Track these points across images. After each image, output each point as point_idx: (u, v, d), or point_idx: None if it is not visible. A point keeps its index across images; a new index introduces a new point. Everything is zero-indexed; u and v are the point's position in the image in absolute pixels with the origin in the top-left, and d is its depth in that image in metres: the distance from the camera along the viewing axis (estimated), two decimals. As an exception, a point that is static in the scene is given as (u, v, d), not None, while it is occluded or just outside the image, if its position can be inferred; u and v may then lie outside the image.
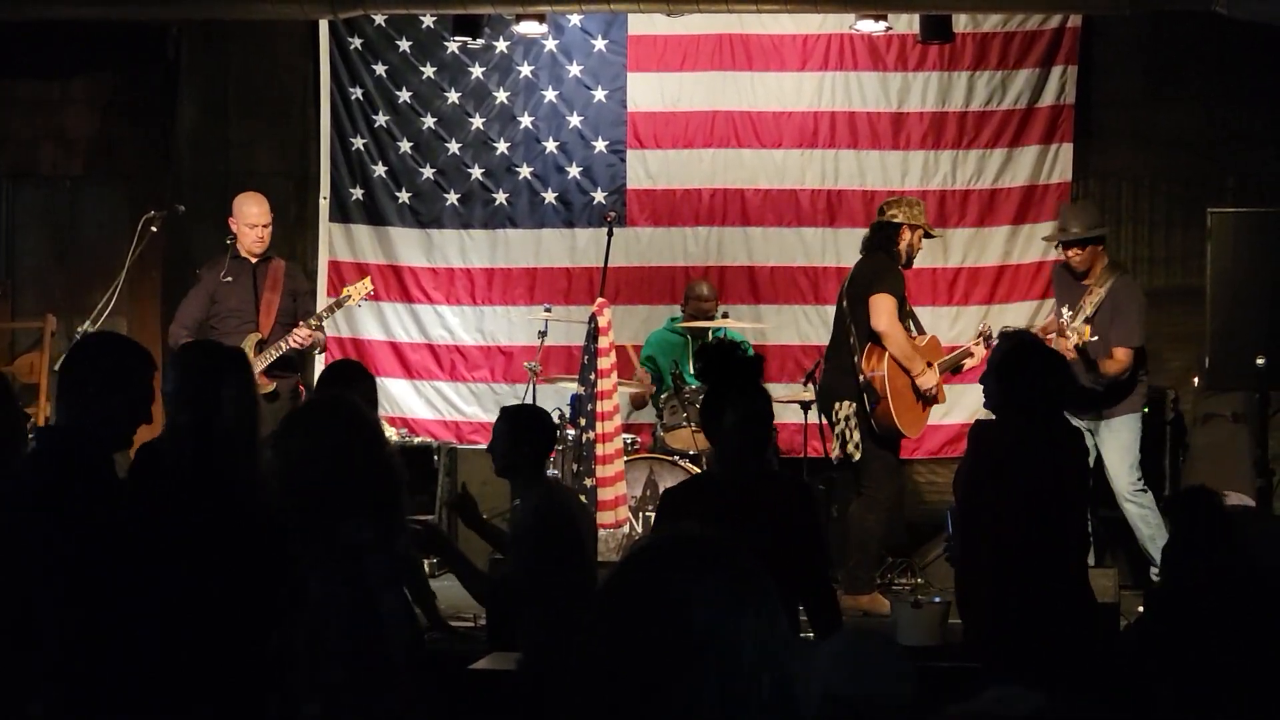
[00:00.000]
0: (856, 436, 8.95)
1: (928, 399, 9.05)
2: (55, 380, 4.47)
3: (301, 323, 9.08)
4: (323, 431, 4.36)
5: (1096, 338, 8.70)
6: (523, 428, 6.21)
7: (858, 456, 8.96)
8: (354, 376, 6.93)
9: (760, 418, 5.38)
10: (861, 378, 8.93)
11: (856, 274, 9.19)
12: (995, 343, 7.52)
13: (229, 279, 9.22)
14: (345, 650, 4.16)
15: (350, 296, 9.46)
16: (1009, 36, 10.70)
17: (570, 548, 6.02)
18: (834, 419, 9.04)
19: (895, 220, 9.09)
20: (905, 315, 9.05)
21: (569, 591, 5.75)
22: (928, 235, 9.29)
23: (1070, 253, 9.07)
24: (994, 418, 6.18)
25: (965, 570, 6.13)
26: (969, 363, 9.39)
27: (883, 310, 8.88)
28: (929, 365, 9.04)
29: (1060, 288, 9.32)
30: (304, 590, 4.20)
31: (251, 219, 9.26)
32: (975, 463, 6.14)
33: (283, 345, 9.01)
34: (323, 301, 10.26)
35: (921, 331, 9.27)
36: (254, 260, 9.26)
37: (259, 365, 8.86)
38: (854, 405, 8.96)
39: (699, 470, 9.36)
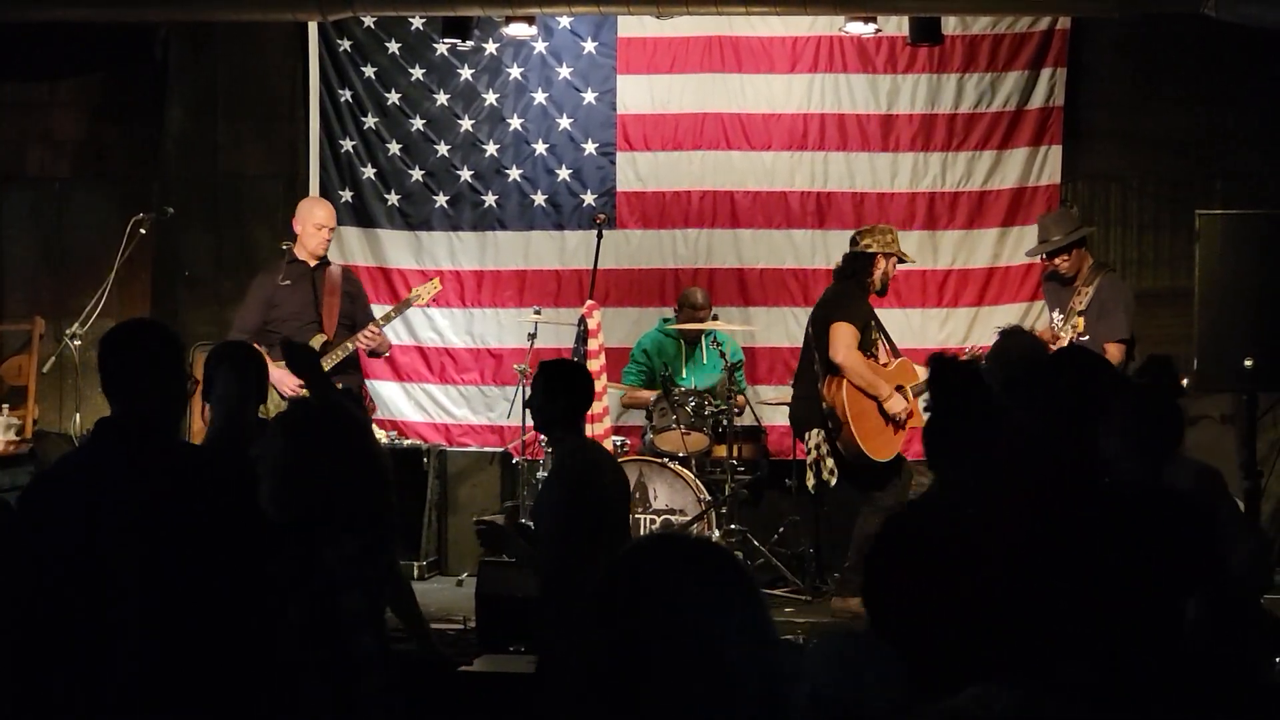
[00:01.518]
0: (830, 463, 9.00)
1: (898, 422, 9.03)
2: (101, 371, 4.32)
3: (372, 325, 9.18)
4: (317, 436, 4.36)
5: (1088, 336, 8.72)
6: (558, 382, 6.22)
7: (833, 483, 8.99)
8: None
9: None
10: (825, 405, 8.95)
11: (822, 300, 9.29)
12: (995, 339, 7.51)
13: (287, 282, 9.30)
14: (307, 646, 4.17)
15: (420, 296, 9.53)
16: (998, 39, 10.71)
17: (595, 498, 6.01)
18: (807, 448, 9.07)
19: (869, 250, 9.11)
20: (872, 340, 9.07)
21: (596, 547, 5.75)
22: (901, 262, 9.29)
23: (1057, 260, 9.10)
24: None
25: None
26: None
27: (840, 340, 8.92)
28: (899, 389, 9.03)
29: (1050, 294, 9.35)
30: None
31: (319, 220, 9.40)
32: None
33: (350, 346, 9.11)
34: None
35: (896, 355, 9.29)
36: (313, 264, 9.32)
37: (325, 366, 8.92)
38: (823, 433, 8.98)
39: (689, 472, 9.36)
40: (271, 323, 9.21)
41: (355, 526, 4.27)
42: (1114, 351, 8.81)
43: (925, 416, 5.01)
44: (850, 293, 9.09)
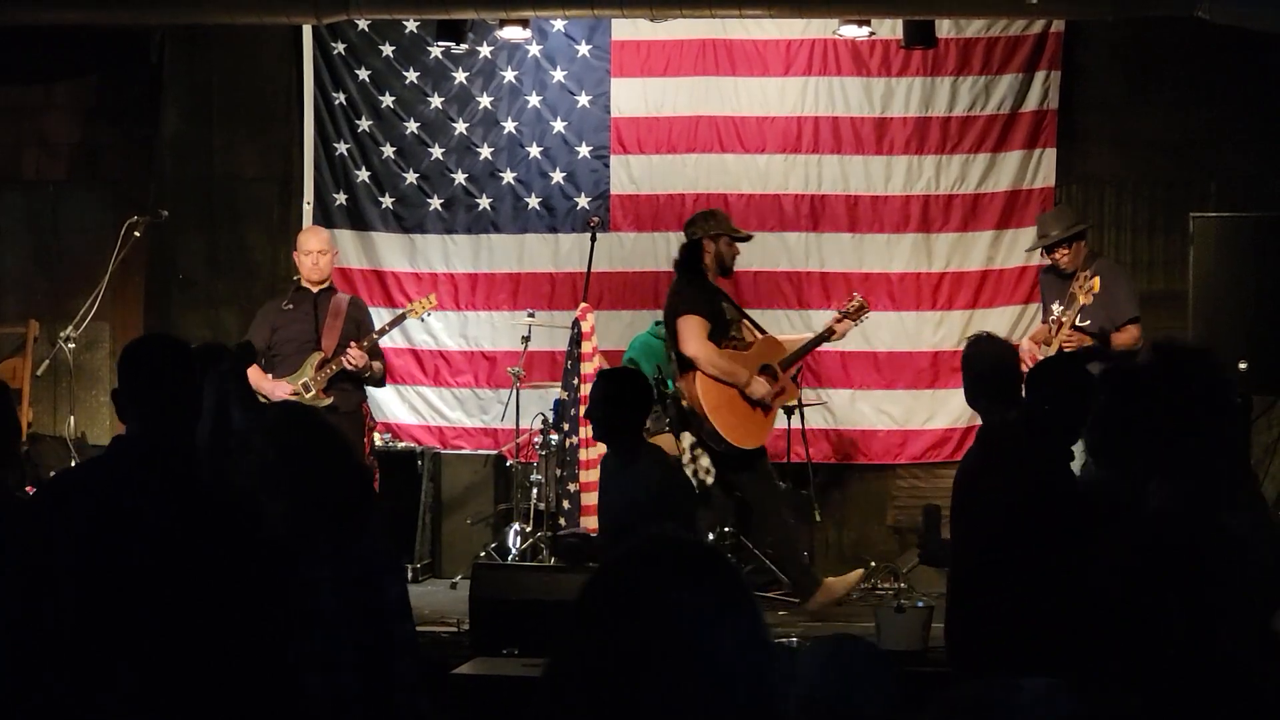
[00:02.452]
0: (705, 462, 8.88)
1: (766, 405, 8.95)
2: (118, 387, 4.29)
3: (353, 343, 9.16)
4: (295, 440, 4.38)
5: (1090, 321, 8.75)
6: (623, 391, 6.22)
7: (709, 482, 8.88)
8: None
9: None
10: (685, 402, 8.90)
11: (667, 297, 9.18)
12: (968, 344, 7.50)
13: (290, 307, 9.42)
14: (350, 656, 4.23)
15: (413, 310, 9.55)
16: (992, 42, 10.71)
17: (692, 510, 6.06)
18: (679, 449, 8.97)
19: (695, 236, 9.05)
20: (727, 324, 8.97)
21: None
22: (739, 239, 9.20)
23: (1057, 254, 9.11)
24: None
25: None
26: (836, 341, 9.37)
27: (687, 333, 8.82)
28: (764, 370, 8.93)
29: (1047, 287, 9.35)
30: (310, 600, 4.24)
31: (307, 246, 9.51)
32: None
33: (343, 363, 9.10)
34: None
35: (762, 332, 9.19)
36: (315, 290, 9.39)
37: (319, 381, 9.09)
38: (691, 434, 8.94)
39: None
40: (275, 345, 9.30)
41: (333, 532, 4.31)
42: (1132, 328, 8.83)
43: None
44: (688, 284, 8.99)
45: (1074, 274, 9.00)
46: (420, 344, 11.03)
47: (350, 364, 9.09)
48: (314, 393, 9.12)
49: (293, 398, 9.01)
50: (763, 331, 9.22)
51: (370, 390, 10.60)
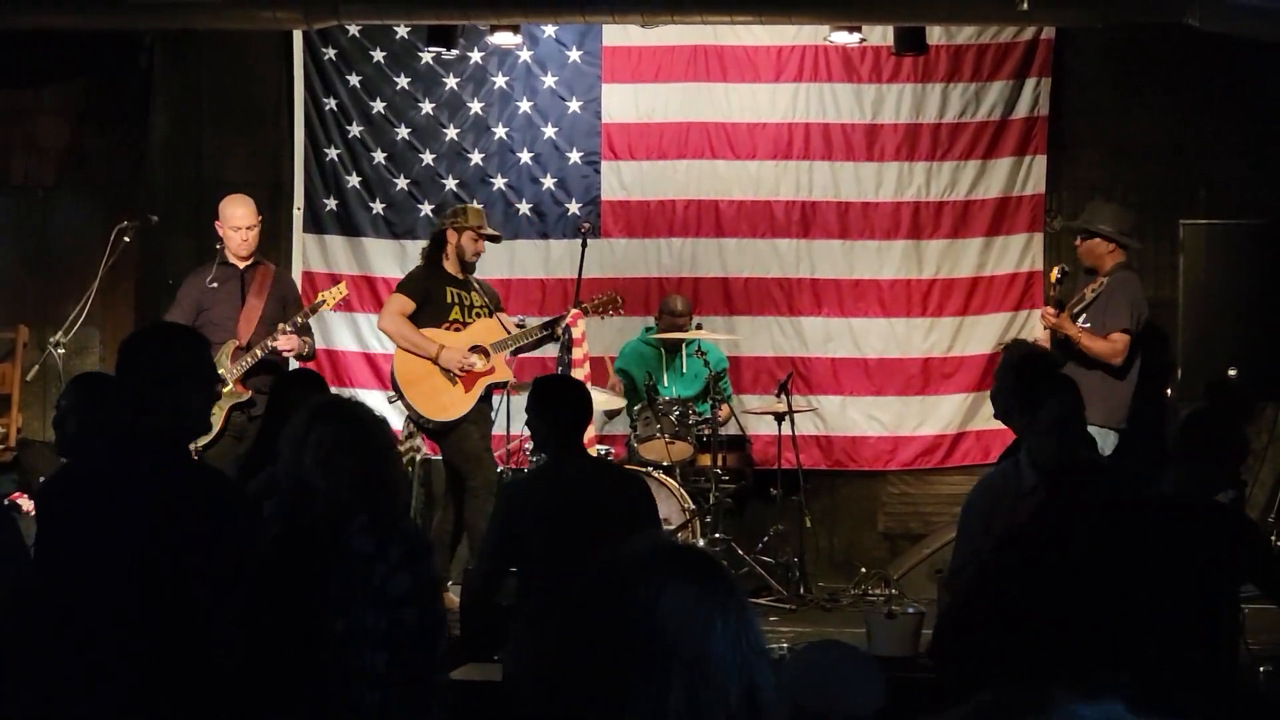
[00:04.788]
0: (417, 441, 9.43)
1: (464, 372, 9.09)
2: (120, 378, 4.29)
3: (282, 325, 8.99)
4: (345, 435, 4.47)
5: (1090, 324, 8.75)
6: (547, 398, 6.21)
7: (418, 459, 9.44)
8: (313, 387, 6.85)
9: None
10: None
11: None
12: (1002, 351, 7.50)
13: (214, 284, 9.15)
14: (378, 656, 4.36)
15: (325, 302, 9.45)
16: (983, 48, 10.72)
17: (509, 527, 6.09)
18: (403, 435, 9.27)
19: (441, 227, 9.40)
20: (447, 306, 9.22)
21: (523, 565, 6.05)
22: (484, 237, 9.39)
23: (1079, 240, 9.17)
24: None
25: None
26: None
27: (384, 309, 9.39)
28: (474, 350, 9.10)
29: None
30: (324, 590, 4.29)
31: (236, 220, 9.21)
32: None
33: (262, 349, 8.90)
34: None
35: (489, 316, 9.32)
36: (241, 266, 9.19)
37: (235, 373, 8.84)
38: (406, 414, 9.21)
39: (673, 481, 9.36)
40: (201, 326, 8.91)
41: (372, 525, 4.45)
42: (1116, 337, 8.81)
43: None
44: (420, 269, 9.41)
45: (1095, 274, 9.01)
46: (410, 349, 11.01)
47: (282, 349, 8.90)
48: (230, 386, 8.82)
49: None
50: (490, 316, 9.35)
51: (360, 395, 10.55)
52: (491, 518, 6.24)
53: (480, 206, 9.78)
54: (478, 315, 9.29)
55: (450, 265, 9.30)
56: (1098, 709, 1.63)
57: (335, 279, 10.80)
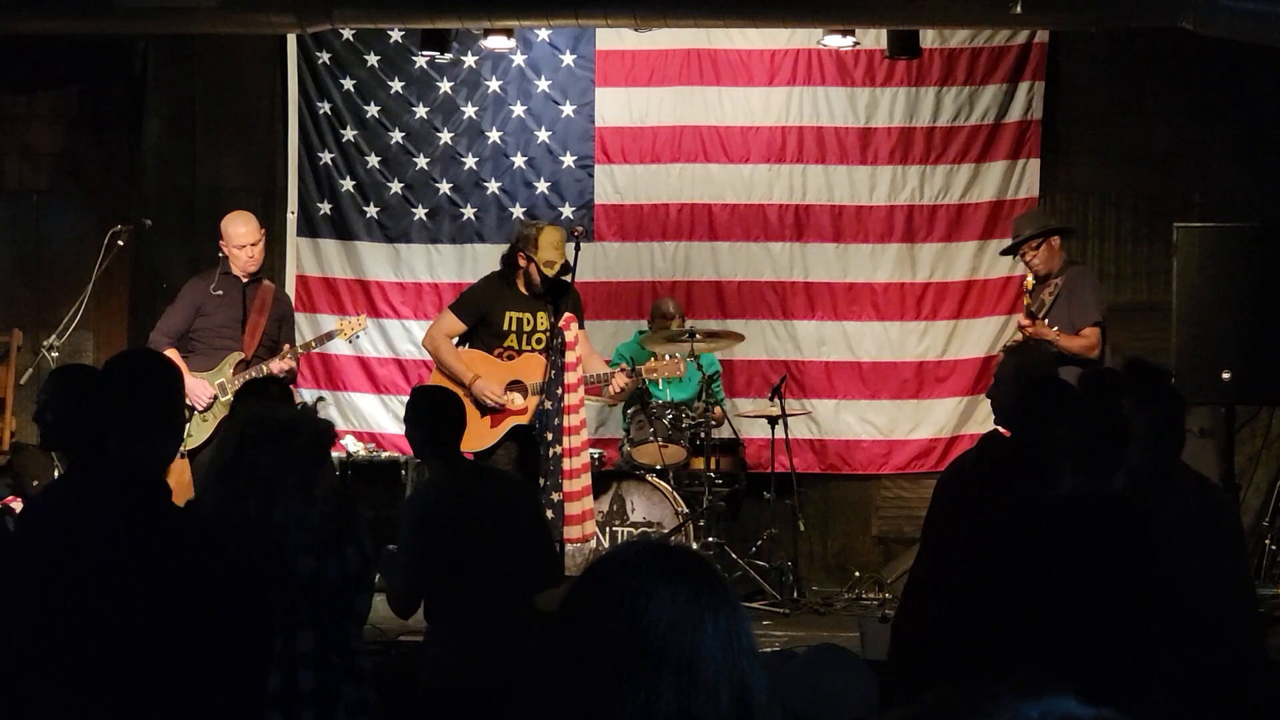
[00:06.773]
0: None
1: (493, 409, 8.84)
2: (100, 403, 4.28)
3: (287, 346, 9.06)
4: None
5: (1057, 327, 8.73)
6: (419, 409, 6.20)
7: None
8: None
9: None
10: None
11: None
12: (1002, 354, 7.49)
13: (219, 292, 9.13)
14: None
15: (341, 331, 9.45)
16: (976, 52, 10.73)
17: (424, 541, 6.08)
18: None
19: (520, 249, 8.88)
20: (504, 333, 8.88)
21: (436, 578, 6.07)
22: (545, 276, 8.87)
23: (1028, 256, 9.10)
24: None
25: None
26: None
27: (432, 327, 9.14)
28: (514, 385, 8.85)
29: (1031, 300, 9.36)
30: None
31: (240, 239, 9.13)
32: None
33: (263, 370, 8.91)
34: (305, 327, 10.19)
35: (545, 352, 8.85)
36: (245, 279, 9.18)
37: (237, 384, 8.86)
38: None
39: (667, 485, 9.35)
40: (196, 331, 9.04)
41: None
42: (1089, 333, 8.79)
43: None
44: (488, 281, 9.12)
45: (1048, 278, 8.98)
46: (404, 354, 11.01)
47: (278, 371, 8.87)
48: (229, 395, 8.82)
49: (210, 400, 8.89)
50: (538, 349, 8.91)
51: (354, 400, 10.59)
52: (398, 535, 6.19)
53: (557, 232, 8.98)
54: (536, 344, 8.91)
55: (521, 285, 8.96)
56: (1045, 704, 1.62)
57: (330, 283, 10.83)
